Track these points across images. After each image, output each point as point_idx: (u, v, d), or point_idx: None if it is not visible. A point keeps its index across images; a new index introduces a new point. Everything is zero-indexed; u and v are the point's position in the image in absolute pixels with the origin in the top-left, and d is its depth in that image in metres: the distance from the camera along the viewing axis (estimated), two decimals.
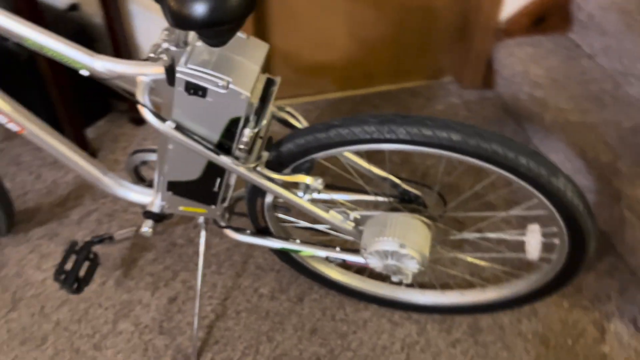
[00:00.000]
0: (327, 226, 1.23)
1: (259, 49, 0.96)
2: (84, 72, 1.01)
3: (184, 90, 0.92)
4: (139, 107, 0.97)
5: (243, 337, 1.42)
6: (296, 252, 1.23)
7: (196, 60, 0.90)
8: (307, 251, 1.22)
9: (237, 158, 1.02)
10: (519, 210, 1.63)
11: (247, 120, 0.98)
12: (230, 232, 1.28)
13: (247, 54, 0.94)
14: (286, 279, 1.54)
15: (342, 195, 1.20)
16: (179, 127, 0.97)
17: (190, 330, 1.41)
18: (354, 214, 1.09)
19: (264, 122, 0.98)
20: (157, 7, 1.71)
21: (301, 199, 1.06)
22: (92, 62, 0.99)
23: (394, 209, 1.16)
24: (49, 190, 1.74)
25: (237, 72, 0.91)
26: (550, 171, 0.96)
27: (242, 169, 1.02)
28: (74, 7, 1.83)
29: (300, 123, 1.11)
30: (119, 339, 1.41)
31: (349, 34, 1.94)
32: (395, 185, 1.19)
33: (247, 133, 0.97)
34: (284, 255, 1.40)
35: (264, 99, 1.00)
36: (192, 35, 0.93)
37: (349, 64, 2.03)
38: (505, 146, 0.94)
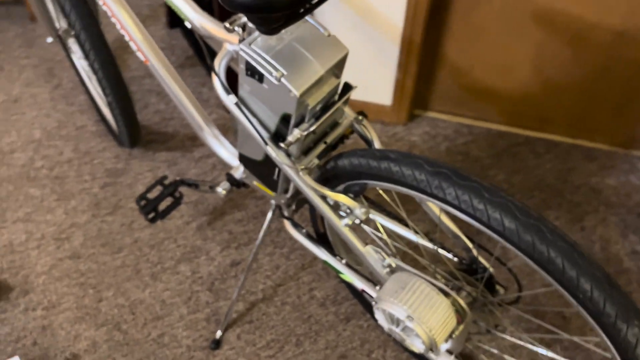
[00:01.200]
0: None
1: (335, 51, 0.87)
2: (187, 24, 1.03)
3: (244, 69, 0.88)
4: (212, 73, 0.96)
5: (275, 329, 1.39)
6: (336, 271, 1.15)
7: (262, 43, 0.85)
8: (345, 275, 1.13)
9: (288, 155, 0.96)
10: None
11: (301, 120, 0.91)
12: (288, 224, 1.24)
13: (319, 52, 0.86)
14: (344, 293, 1.46)
15: (394, 227, 1.08)
16: (240, 104, 0.94)
17: (235, 299, 1.42)
18: (391, 260, 0.96)
19: (314, 126, 0.90)
20: None
21: (338, 221, 0.97)
22: (194, 17, 1.00)
23: (447, 272, 1.00)
24: (188, 123, 1.86)
25: (297, 68, 0.84)
26: (623, 314, 0.73)
27: (286, 167, 0.97)
28: None
29: (371, 142, 1.00)
30: (174, 278, 1.47)
31: (533, 67, 1.71)
32: (466, 248, 1.03)
33: (295, 133, 0.90)
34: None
35: (332, 104, 0.92)
36: None
37: (524, 99, 1.80)
38: (569, 260, 0.74)
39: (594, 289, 0.74)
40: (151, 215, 1.40)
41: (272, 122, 0.95)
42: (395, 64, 1.73)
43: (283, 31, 0.86)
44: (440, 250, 1.04)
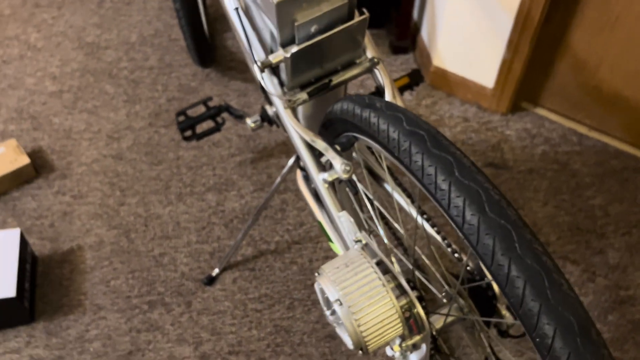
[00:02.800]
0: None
1: None
2: None
3: None
4: None
5: (273, 285, 1.28)
6: (328, 238, 1.00)
7: None
8: (334, 245, 0.97)
9: (281, 84, 0.83)
10: None
11: (290, 41, 0.77)
12: (299, 175, 1.11)
13: None
14: None
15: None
16: (240, 10, 0.82)
17: (247, 243, 1.33)
18: (362, 236, 0.79)
19: (299, 48, 0.75)
20: None
21: (316, 172, 0.82)
22: None
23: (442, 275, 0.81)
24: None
25: None
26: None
27: (272, 95, 0.83)
28: None
29: (384, 94, 0.82)
30: (197, 204, 1.42)
31: None
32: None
33: (279, 52, 0.76)
34: None
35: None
36: None
37: None
38: (533, 286, 0.53)
39: (557, 336, 0.52)
40: (187, 133, 1.35)
41: (269, 39, 0.81)
42: (505, 41, 1.48)
43: None
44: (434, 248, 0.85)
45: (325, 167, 0.84)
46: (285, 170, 1.21)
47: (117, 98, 1.65)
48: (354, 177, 0.80)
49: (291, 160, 1.20)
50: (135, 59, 1.76)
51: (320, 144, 0.80)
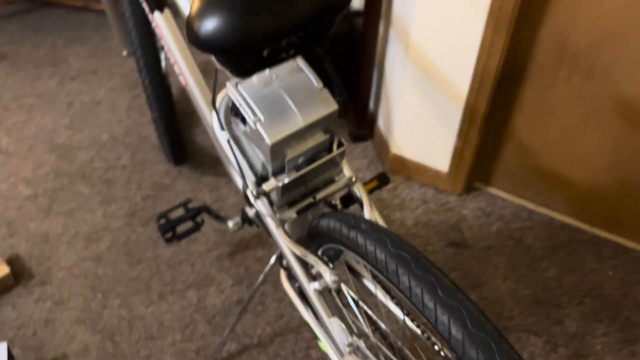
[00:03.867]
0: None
1: (323, 105, 0.83)
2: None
3: (231, 109, 0.86)
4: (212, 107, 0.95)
5: None
6: (315, 337, 1.07)
7: (248, 85, 0.83)
8: (322, 344, 1.05)
9: (270, 203, 0.92)
10: None
11: (280, 170, 0.87)
12: (283, 275, 1.19)
13: (304, 103, 0.82)
14: None
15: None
16: (231, 141, 0.92)
17: (230, 338, 1.38)
18: (354, 340, 0.87)
19: (287, 179, 0.85)
20: None
21: (307, 282, 0.91)
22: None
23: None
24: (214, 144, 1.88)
25: (276, 116, 0.81)
26: None
27: (265, 216, 0.92)
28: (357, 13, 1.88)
29: (363, 208, 0.93)
30: (179, 302, 1.47)
31: (610, 161, 1.54)
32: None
33: (271, 182, 0.86)
34: None
35: (317, 158, 0.87)
36: None
37: (595, 194, 1.62)
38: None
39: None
40: (168, 235, 1.41)
41: (258, 163, 0.91)
42: (455, 131, 1.64)
43: (274, 77, 0.84)
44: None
45: (314, 276, 0.93)
46: (267, 268, 1.28)
47: (93, 199, 1.70)
48: (342, 286, 0.89)
49: (272, 259, 1.27)
50: (108, 158, 1.82)
51: (311, 258, 0.89)
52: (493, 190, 1.78)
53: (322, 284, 0.90)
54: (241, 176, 0.91)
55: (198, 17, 0.68)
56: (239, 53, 0.68)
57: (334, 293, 0.92)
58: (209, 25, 0.67)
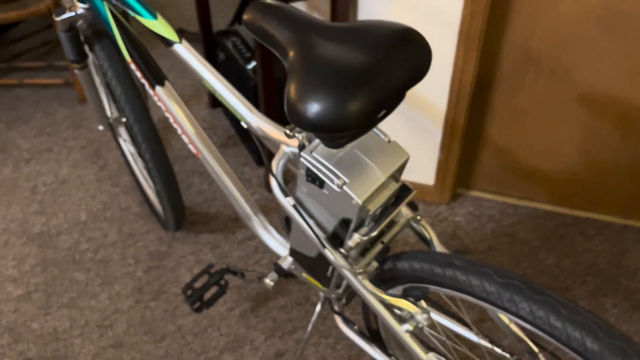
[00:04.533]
0: None
1: (396, 157, 0.87)
2: (243, 124, 1.04)
3: (305, 175, 0.88)
4: (269, 174, 0.96)
5: None
6: None
7: (323, 151, 0.85)
8: None
9: (345, 257, 0.94)
10: None
11: (360, 224, 0.90)
12: (338, 320, 1.20)
13: (380, 158, 0.86)
14: None
15: (458, 330, 1.03)
16: (298, 206, 0.94)
17: None
18: None
19: (374, 232, 0.88)
20: None
21: (398, 326, 0.94)
22: (250, 118, 1.02)
23: None
24: (231, 204, 1.87)
25: (358, 175, 0.84)
26: None
27: (345, 270, 0.94)
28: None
29: (431, 244, 0.98)
30: None
31: (579, 150, 1.69)
32: (532, 353, 0.98)
33: (355, 238, 0.88)
34: None
35: (393, 205, 0.91)
36: None
37: (571, 180, 1.77)
38: None
39: None
40: (197, 305, 1.38)
41: (330, 224, 0.93)
42: (438, 145, 1.72)
43: None
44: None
45: (402, 317, 0.96)
46: (314, 318, 1.30)
47: (92, 283, 1.63)
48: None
49: (318, 307, 1.29)
50: (94, 237, 1.75)
51: (401, 302, 0.91)
52: (476, 193, 1.89)
53: (413, 324, 0.94)
54: (316, 238, 0.93)
55: (302, 100, 0.70)
56: (343, 132, 0.71)
57: (425, 330, 0.95)
58: (315, 108, 0.69)
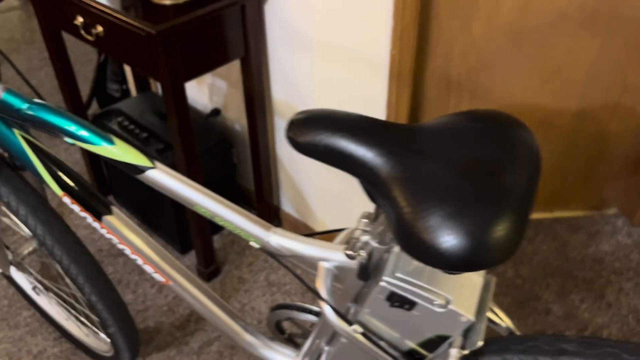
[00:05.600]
0: None
1: None
2: (255, 245, 0.86)
3: (384, 300, 0.73)
4: (320, 301, 0.79)
5: None
6: None
7: (406, 268, 0.71)
8: None
9: None
10: None
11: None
12: None
13: None
14: None
15: None
16: (366, 332, 0.78)
17: None
18: None
19: (480, 342, 0.77)
20: None
21: None
22: (267, 236, 0.84)
23: None
24: (170, 308, 1.60)
25: (457, 288, 0.71)
26: None
27: None
28: (215, 112, 1.74)
29: (506, 327, 0.88)
30: None
31: None
32: None
33: (454, 354, 0.76)
34: None
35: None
36: None
37: None
38: None
39: None
40: None
41: (409, 342, 0.79)
42: None
43: None
44: None
45: None
46: None
47: None
48: None
49: None
50: None
51: None
52: None
53: None
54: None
55: (436, 236, 0.56)
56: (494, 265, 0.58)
57: None
58: (461, 243, 0.55)
